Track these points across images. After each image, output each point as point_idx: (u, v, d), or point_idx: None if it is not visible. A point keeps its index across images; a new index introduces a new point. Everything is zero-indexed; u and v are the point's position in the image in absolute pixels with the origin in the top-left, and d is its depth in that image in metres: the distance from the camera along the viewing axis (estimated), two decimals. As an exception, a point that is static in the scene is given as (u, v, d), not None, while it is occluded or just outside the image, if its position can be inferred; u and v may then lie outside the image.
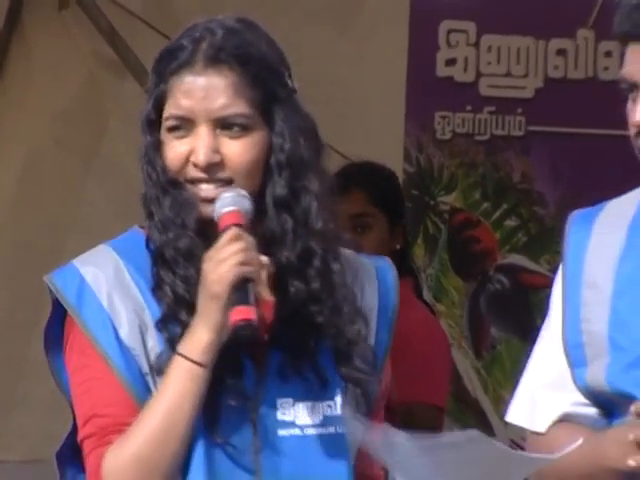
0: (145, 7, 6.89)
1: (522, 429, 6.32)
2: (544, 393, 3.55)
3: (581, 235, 3.57)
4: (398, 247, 5.73)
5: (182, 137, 3.15)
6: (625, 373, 3.43)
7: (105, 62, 7.15)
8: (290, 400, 3.31)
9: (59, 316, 3.23)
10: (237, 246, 3.18)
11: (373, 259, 3.47)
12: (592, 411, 3.47)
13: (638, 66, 3.25)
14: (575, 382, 3.50)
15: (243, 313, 3.16)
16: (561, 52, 7.39)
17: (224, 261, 3.17)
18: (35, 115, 7.05)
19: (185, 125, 3.16)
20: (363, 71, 6.99)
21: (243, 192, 3.24)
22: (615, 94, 6.06)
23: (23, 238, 6.85)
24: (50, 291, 3.20)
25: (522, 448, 6.40)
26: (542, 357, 3.56)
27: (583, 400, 3.46)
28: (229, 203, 3.22)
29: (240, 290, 3.17)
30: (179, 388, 3.27)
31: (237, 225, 3.22)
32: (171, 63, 3.16)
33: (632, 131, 3.32)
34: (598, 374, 3.51)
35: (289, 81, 3.26)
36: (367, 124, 6.82)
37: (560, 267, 3.53)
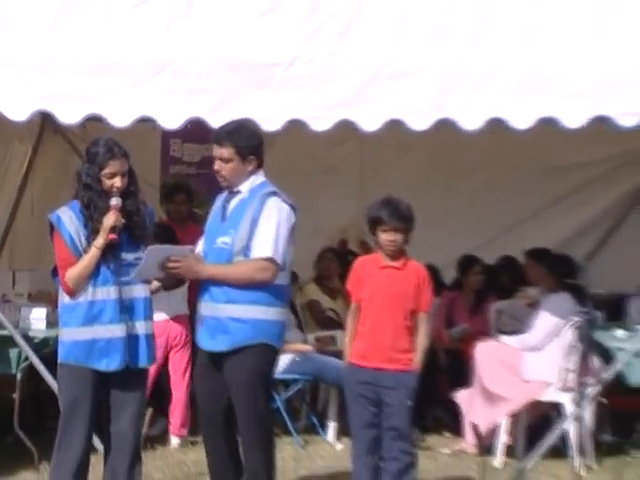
0: (81, 134, 7.76)
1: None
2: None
3: (215, 205, 4.85)
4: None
5: (112, 179, 4.44)
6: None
7: (70, 153, 8.49)
8: (125, 252, 4.52)
9: (51, 229, 4.57)
10: (112, 217, 4.41)
11: (149, 209, 4.72)
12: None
13: (214, 152, 4.77)
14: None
15: (112, 237, 4.45)
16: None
17: (108, 219, 4.39)
18: (47, 170, 8.66)
19: (113, 175, 4.43)
20: (149, 160, 8.24)
21: (119, 199, 4.43)
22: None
23: (44, 208, 7.04)
24: (49, 220, 4.54)
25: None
26: (200, 245, 4.84)
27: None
28: (113, 201, 4.46)
29: (112, 228, 4.42)
30: (90, 253, 4.45)
31: (114, 207, 4.45)
32: (106, 156, 4.44)
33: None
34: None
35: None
36: (152, 179, 7.98)
37: None
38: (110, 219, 4.36)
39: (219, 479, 4.77)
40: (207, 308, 4.66)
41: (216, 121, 5.34)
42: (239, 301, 4.59)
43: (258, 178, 4.77)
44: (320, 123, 5.59)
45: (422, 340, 4.92)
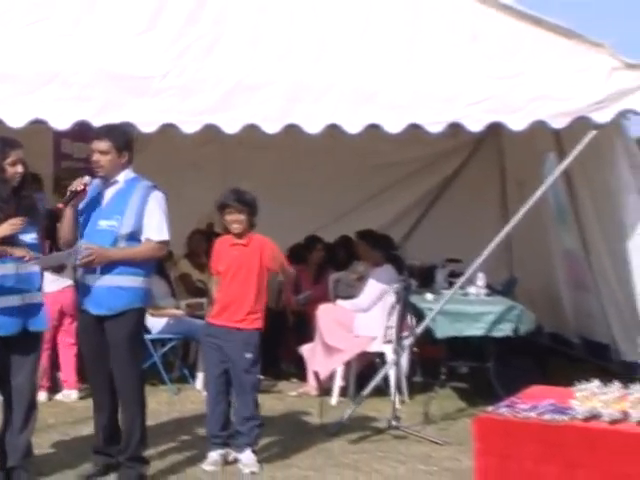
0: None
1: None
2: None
3: (91, 189, 4.60)
4: None
5: (14, 166, 4.22)
6: (89, 233, 4.53)
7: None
8: (22, 234, 4.26)
9: None
10: (10, 227, 4.16)
11: (40, 195, 5.01)
12: None
13: (94, 146, 4.52)
14: None
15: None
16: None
17: (11, 224, 4.15)
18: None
19: (15, 162, 4.22)
20: (43, 156, 7.62)
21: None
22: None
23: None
24: None
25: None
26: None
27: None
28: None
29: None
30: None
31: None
32: (6, 148, 4.23)
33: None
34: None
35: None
36: (46, 172, 7.57)
37: None
38: (8, 229, 4.19)
39: (103, 417, 4.74)
40: (95, 279, 4.55)
41: (100, 124, 5.20)
42: (124, 273, 4.53)
43: (130, 172, 4.69)
44: (189, 126, 5.55)
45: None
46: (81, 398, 6.39)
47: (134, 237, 4.56)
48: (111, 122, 4.94)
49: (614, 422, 3.11)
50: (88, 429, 5.21)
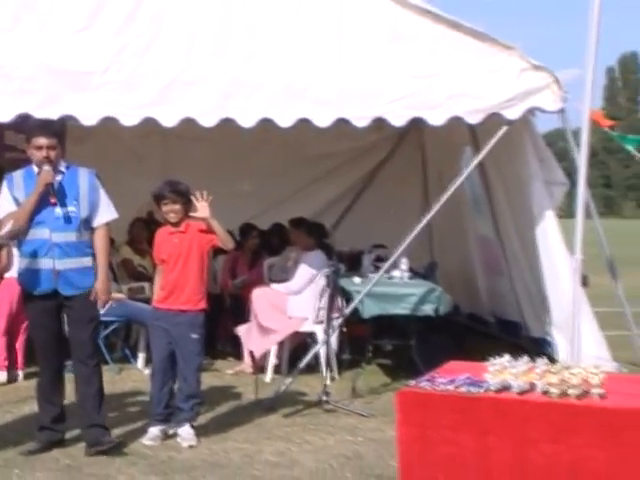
0: None
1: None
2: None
3: (23, 182, 4.58)
4: None
5: None
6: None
7: None
8: None
9: None
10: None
11: None
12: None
13: (40, 142, 4.43)
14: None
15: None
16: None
17: None
18: None
19: None
20: None
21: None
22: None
23: None
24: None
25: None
26: (4, 211, 4.54)
27: (14, 206, 4.48)
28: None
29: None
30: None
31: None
32: None
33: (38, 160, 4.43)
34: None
35: None
36: None
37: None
38: None
39: (48, 395, 4.69)
40: (64, 263, 4.50)
41: (42, 117, 5.12)
42: (87, 254, 4.57)
43: (63, 161, 4.67)
44: (128, 119, 5.51)
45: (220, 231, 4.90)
46: (25, 378, 6.30)
47: (88, 221, 4.55)
48: (39, 118, 4.90)
49: (522, 392, 3.19)
50: (31, 408, 5.12)
